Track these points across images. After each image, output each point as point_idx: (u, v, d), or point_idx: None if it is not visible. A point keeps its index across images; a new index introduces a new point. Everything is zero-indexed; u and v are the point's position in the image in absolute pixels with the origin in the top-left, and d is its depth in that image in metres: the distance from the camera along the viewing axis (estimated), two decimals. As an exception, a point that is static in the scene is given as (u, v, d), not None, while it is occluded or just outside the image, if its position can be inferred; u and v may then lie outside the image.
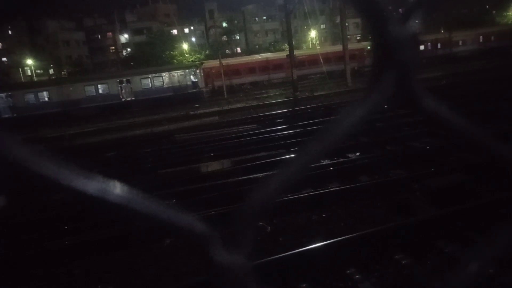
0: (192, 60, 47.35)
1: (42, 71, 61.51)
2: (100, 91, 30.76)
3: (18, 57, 58.67)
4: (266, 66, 40.23)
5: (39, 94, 30.01)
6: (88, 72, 53.51)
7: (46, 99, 30.00)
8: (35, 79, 52.88)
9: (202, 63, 35.83)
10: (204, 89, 33.20)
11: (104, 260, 4.64)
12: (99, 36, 67.77)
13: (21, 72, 58.91)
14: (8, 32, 61.56)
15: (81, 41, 67.13)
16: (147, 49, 54.86)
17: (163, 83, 31.73)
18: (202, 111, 22.26)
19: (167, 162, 9.37)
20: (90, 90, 30.53)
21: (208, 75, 36.42)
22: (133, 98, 31.21)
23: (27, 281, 4.41)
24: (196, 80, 32.42)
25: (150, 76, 31.70)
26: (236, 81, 39.26)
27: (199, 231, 0.33)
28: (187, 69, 32.80)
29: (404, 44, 0.39)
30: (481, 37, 46.56)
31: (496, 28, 48.59)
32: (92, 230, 5.43)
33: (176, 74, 32.01)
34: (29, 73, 59.94)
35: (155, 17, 67.77)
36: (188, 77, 32.14)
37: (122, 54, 64.14)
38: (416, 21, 0.39)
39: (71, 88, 30.24)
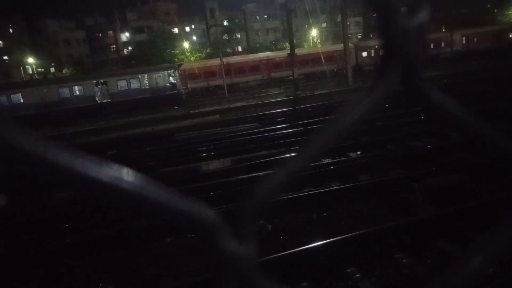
0: (193, 59, 47.39)
1: (43, 69, 61.52)
2: (77, 92, 30.07)
3: (19, 56, 58.70)
4: (242, 68, 39.83)
5: (12, 96, 29.24)
6: (89, 71, 53.47)
7: (21, 101, 29.28)
8: (36, 78, 52.82)
9: (180, 64, 35.24)
10: (182, 91, 32.68)
11: (104, 260, 4.65)
12: (100, 34, 67.70)
13: (22, 71, 58.92)
14: (9, 31, 61.62)
15: (81, 40, 67.12)
16: (148, 48, 54.89)
17: (140, 84, 31.08)
18: (203, 109, 22.27)
19: (168, 161, 9.38)
20: (64, 92, 29.83)
21: (185, 76, 36.04)
22: (109, 100, 30.60)
23: (28, 281, 4.42)
24: (174, 81, 31.88)
25: (126, 77, 31.03)
26: (213, 82, 38.79)
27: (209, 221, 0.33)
28: (165, 70, 32.17)
29: (411, 39, 0.39)
30: (463, 38, 44.37)
31: (479, 29, 46.06)
32: (92, 230, 5.44)
33: (154, 75, 31.37)
34: (30, 72, 60.02)
35: (156, 16, 67.71)
36: (166, 79, 31.58)
37: (123, 53, 64.13)
38: (424, 15, 0.39)
39: (45, 90, 29.65)
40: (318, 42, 55.96)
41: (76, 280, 4.32)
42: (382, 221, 4.46)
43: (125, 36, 66.52)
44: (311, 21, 53.48)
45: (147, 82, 31.11)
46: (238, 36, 67.11)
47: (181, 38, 56.57)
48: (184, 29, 65.60)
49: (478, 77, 19.79)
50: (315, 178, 6.28)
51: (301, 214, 5.17)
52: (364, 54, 41.74)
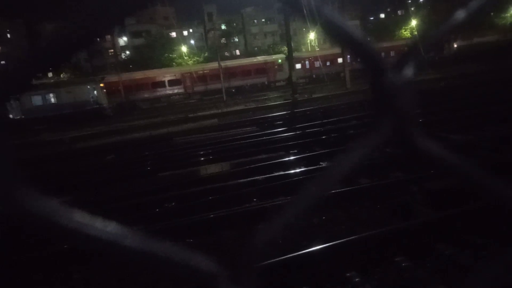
0: (191, 63, 47.41)
1: (40, 74, 61.41)
2: None
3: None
4: (162, 82, 39.54)
5: None
6: (88, 75, 53.43)
7: None
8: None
9: (103, 78, 33.43)
10: (106, 105, 31.07)
11: (103, 264, 4.61)
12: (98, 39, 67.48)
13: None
14: (7, 36, 61.66)
15: (79, 44, 66.90)
16: (146, 52, 54.90)
17: (58, 99, 29.20)
18: (201, 113, 22.28)
19: (167, 165, 9.37)
20: None
21: (110, 90, 34.41)
22: (22, 117, 28.01)
23: (26, 286, 4.38)
24: (97, 95, 30.42)
25: (41, 92, 28.73)
26: (134, 96, 37.99)
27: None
28: (86, 84, 30.56)
29: (399, 93, 0.43)
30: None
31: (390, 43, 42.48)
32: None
33: (73, 90, 29.57)
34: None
35: (154, 20, 67.74)
36: (87, 93, 29.95)
37: (121, 57, 64.08)
38: (409, 72, 0.44)
39: None
40: (316, 46, 56.11)
41: (74, 285, 4.28)
42: (382, 225, 4.44)
43: (123, 40, 66.51)
44: (308, 24, 53.52)
45: (65, 97, 29.30)
46: (236, 39, 67.21)
47: (179, 42, 56.59)
48: (182, 33, 65.64)
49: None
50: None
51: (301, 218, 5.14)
52: (298, 66, 40.30)
